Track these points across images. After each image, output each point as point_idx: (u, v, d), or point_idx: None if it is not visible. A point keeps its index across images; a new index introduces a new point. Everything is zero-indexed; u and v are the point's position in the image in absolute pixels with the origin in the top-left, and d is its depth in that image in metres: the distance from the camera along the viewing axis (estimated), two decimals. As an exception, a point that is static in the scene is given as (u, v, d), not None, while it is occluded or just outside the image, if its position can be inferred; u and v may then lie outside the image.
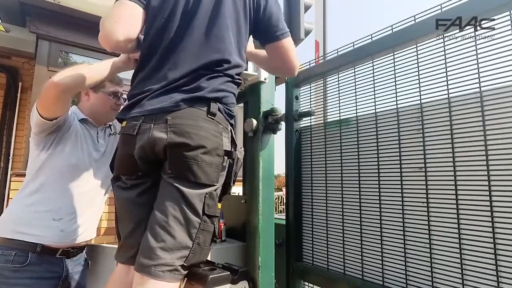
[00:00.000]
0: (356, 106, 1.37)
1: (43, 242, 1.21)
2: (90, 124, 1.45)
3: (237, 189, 2.43)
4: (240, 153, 1.07)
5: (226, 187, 1.05)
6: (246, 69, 1.47)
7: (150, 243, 0.89)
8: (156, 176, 0.99)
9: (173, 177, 0.93)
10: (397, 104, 1.21)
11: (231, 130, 1.05)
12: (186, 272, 0.93)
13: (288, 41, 1.14)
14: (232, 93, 1.06)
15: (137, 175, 1.00)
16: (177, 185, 0.91)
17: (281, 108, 1.51)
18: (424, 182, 1.09)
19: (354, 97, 1.38)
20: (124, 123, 1.02)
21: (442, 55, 1.08)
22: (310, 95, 1.62)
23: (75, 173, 1.33)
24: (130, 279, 0.98)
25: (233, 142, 1.04)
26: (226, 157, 0.99)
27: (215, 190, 0.97)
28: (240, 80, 1.11)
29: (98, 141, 1.45)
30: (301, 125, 1.66)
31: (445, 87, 1.06)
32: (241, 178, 1.71)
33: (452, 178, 1.02)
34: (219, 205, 1.00)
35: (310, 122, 1.61)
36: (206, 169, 0.93)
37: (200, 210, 0.92)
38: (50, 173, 1.29)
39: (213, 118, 0.97)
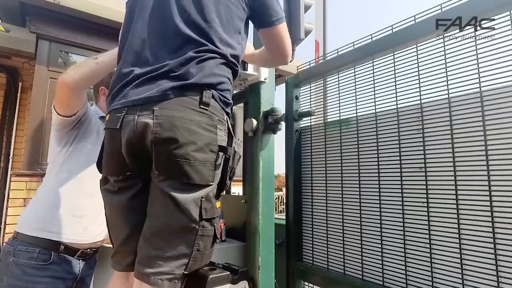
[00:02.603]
0: (356, 106, 1.37)
1: (67, 240, 1.22)
2: None
3: (237, 189, 2.43)
4: (237, 145, 0.97)
5: (223, 185, 0.96)
6: (246, 69, 1.47)
7: (147, 252, 0.85)
8: (145, 177, 0.91)
9: (163, 181, 0.85)
10: (397, 104, 1.21)
11: (227, 120, 0.95)
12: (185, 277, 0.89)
13: (282, 27, 1.07)
14: (227, 78, 0.95)
15: (125, 175, 0.91)
16: (168, 191, 0.83)
17: (281, 108, 1.51)
18: (424, 182, 1.09)
19: (354, 97, 1.38)
20: (107, 117, 0.92)
21: (442, 55, 1.08)
22: (310, 95, 1.62)
23: (95, 170, 1.32)
24: (130, 284, 0.94)
25: (229, 135, 0.94)
26: (221, 153, 0.89)
27: (211, 191, 0.88)
28: (236, 65, 1.00)
29: None
30: (301, 125, 1.66)
31: (445, 87, 1.06)
32: (241, 178, 1.71)
33: (452, 178, 1.02)
34: (218, 204, 0.93)
35: (310, 122, 1.61)
36: (199, 168, 0.83)
37: (197, 216, 0.84)
38: (72, 169, 1.29)
39: (207, 109, 0.86)
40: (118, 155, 0.89)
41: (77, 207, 1.26)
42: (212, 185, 0.88)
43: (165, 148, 0.82)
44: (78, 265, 1.28)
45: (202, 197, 0.85)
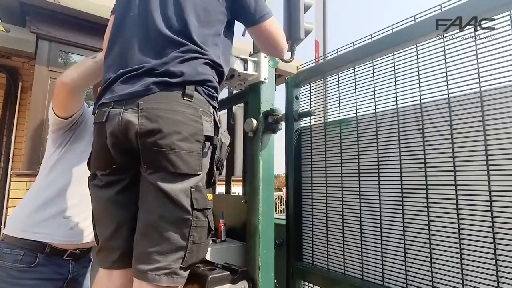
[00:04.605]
0: (356, 106, 1.37)
1: (52, 241, 1.20)
2: None
3: (237, 189, 2.43)
4: (224, 137, 1.00)
5: (211, 175, 0.97)
6: (246, 69, 1.46)
7: (144, 248, 0.85)
8: (133, 171, 0.93)
9: (152, 174, 0.86)
10: (397, 104, 1.21)
11: (213, 113, 0.97)
12: (186, 274, 0.89)
13: (269, 23, 1.08)
14: (212, 77, 0.97)
15: (112, 168, 0.93)
16: (157, 183, 0.84)
17: (281, 108, 1.51)
18: (424, 182, 1.09)
19: (354, 97, 1.38)
20: (96, 113, 0.96)
21: (442, 55, 1.08)
22: (310, 95, 1.62)
23: (87, 172, 1.32)
24: (114, 282, 0.95)
25: (216, 126, 0.96)
26: (207, 143, 0.91)
27: (200, 181, 0.90)
28: (221, 66, 1.02)
29: None
30: (301, 125, 1.66)
31: (445, 87, 1.06)
32: (241, 178, 1.71)
33: (452, 178, 1.02)
34: (210, 196, 0.94)
35: (310, 122, 1.61)
36: (185, 157, 0.85)
37: (189, 206, 0.85)
38: (63, 170, 1.28)
39: (190, 100, 0.89)
40: (104, 149, 0.91)
41: (65, 208, 1.25)
42: (200, 174, 0.90)
43: (150, 139, 0.84)
44: (68, 265, 1.26)
45: (191, 187, 0.87)
